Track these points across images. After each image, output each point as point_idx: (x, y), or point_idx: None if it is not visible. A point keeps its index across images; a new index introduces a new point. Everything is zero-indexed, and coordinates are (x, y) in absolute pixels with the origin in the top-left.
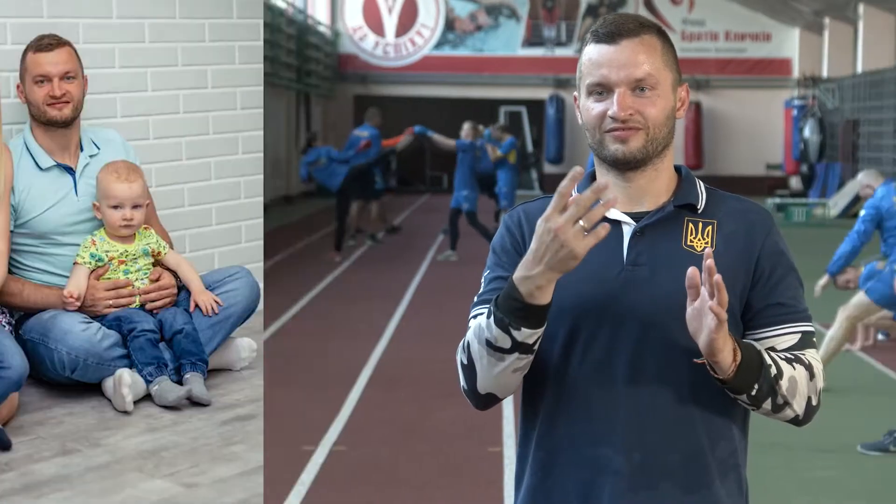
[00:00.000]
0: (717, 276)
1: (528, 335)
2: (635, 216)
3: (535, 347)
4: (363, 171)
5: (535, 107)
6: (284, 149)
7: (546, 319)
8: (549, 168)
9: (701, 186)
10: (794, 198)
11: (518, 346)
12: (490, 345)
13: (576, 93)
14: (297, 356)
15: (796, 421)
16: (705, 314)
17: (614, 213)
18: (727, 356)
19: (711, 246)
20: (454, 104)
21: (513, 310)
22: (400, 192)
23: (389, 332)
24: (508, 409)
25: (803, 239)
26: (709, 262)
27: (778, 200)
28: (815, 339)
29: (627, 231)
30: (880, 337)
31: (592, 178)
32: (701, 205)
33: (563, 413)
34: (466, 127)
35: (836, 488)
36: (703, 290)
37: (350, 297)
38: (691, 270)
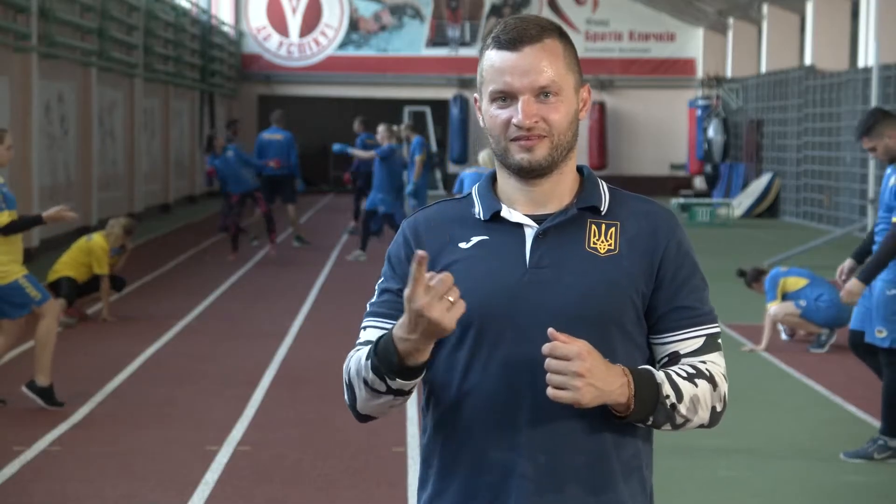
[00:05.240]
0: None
1: (402, 384)
2: (538, 218)
3: (412, 391)
4: (286, 175)
5: (440, 107)
6: (188, 149)
7: (421, 374)
8: (453, 168)
9: (604, 187)
10: (698, 198)
11: (392, 392)
12: (367, 383)
13: (476, 95)
14: (202, 356)
15: (702, 427)
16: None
17: (516, 216)
18: (612, 402)
19: (615, 248)
20: (358, 104)
21: (389, 364)
22: (303, 192)
23: (294, 332)
24: (412, 410)
25: (707, 239)
26: (545, 346)
27: (682, 200)
28: (719, 341)
29: (530, 234)
30: (784, 337)
31: (494, 180)
32: (604, 206)
33: (468, 417)
34: (382, 130)
35: (741, 489)
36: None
37: (254, 296)
38: (546, 348)
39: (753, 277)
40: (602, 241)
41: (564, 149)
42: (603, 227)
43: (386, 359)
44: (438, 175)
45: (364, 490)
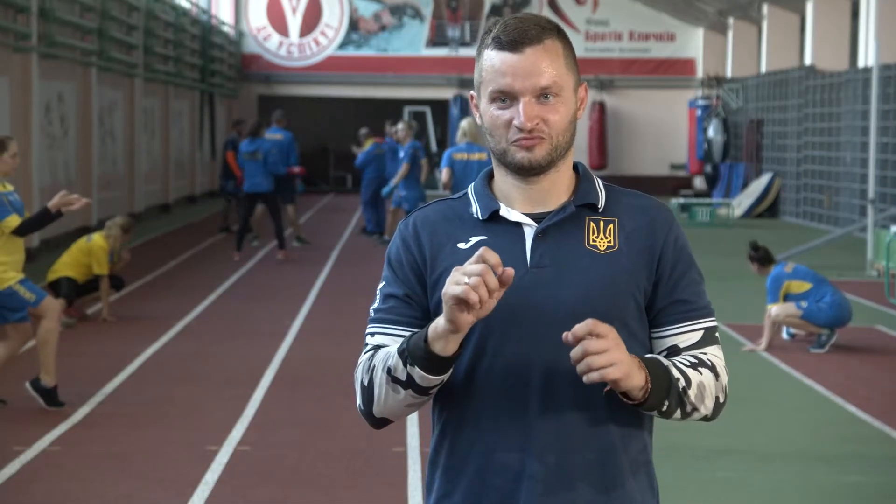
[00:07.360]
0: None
1: (422, 376)
2: (536, 217)
3: (432, 392)
4: (286, 175)
5: (440, 107)
6: (188, 149)
7: (445, 372)
8: None
9: (599, 184)
10: (698, 198)
11: (412, 386)
12: (390, 372)
13: (473, 93)
14: (201, 356)
15: (705, 419)
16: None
17: (515, 215)
18: (635, 384)
19: (614, 245)
20: (358, 104)
21: (416, 349)
22: (303, 193)
23: (293, 332)
24: None
25: (707, 239)
26: (567, 335)
27: (682, 200)
28: (717, 335)
29: (529, 233)
30: (785, 336)
31: (490, 177)
32: (601, 203)
33: (474, 419)
34: (402, 126)
35: (741, 489)
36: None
37: (254, 296)
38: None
39: (759, 260)
40: (601, 238)
41: (563, 148)
42: (601, 223)
43: (416, 343)
44: (438, 175)
45: (364, 490)
